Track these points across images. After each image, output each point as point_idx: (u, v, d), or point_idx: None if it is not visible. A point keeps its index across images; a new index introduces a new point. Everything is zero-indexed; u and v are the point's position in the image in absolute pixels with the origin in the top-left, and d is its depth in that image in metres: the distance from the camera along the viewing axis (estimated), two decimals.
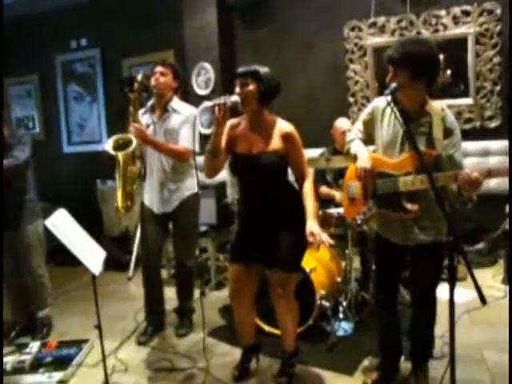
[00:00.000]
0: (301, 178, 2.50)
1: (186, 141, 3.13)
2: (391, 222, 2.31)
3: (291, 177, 2.54)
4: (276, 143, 2.40)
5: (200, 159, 5.16)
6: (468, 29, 4.42)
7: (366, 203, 2.40)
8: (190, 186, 3.25)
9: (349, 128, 3.85)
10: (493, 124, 4.51)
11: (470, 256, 3.87)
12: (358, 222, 3.30)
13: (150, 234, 3.28)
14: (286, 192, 2.50)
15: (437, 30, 4.53)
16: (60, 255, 4.85)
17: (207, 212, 4.29)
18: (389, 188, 2.25)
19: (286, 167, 2.49)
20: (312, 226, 2.33)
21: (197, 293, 3.66)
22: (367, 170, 2.27)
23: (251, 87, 2.32)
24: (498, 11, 4.39)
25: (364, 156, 2.32)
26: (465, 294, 3.44)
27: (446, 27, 4.49)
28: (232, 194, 4.58)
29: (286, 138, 2.41)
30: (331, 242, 2.27)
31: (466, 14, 4.47)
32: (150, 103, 3.25)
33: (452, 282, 1.87)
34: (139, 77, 3.09)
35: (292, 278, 2.51)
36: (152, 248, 3.29)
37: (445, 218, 1.89)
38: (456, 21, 4.47)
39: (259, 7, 5.16)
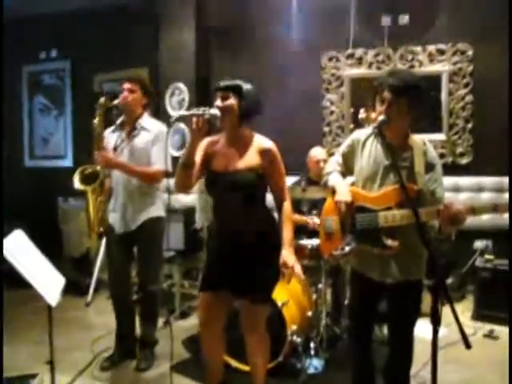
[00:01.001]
0: (279, 199, 2.41)
1: (157, 161, 3.00)
2: (369, 258, 2.24)
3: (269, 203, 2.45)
4: (253, 160, 2.31)
5: (170, 181, 4.99)
6: (442, 67, 4.52)
7: (343, 238, 2.31)
8: (155, 208, 3.12)
9: (323, 158, 3.81)
10: (464, 160, 4.58)
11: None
12: (335, 257, 3.20)
13: (114, 254, 3.15)
14: (263, 217, 2.39)
15: (412, 66, 4.62)
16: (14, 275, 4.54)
17: (174, 237, 4.15)
18: (368, 223, 2.19)
19: (264, 188, 2.39)
20: (287, 255, 2.28)
21: (160, 322, 3.47)
22: (347, 203, 2.20)
23: (232, 101, 2.24)
24: (470, 52, 4.53)
25: (343, 189, 2.26)
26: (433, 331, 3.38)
27: (421, 63, 4.59)
28: (201, 220, 4.45)
29: (265, 154, 2.32)
30: (302, 277, 2.24)
31: (441, 52, 4.59)
32: (119, 121, 3.12)
33: (435, 325, 1.84)
34: (101, 100, 2.96)
35: (264, 310, 2.42)
36: (117, 269, 3.15)
37: (429, 256, 1.87)
38: (431, 58, 4.58)
39: (237, 31, 5.14)
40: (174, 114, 5.13)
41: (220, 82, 2.29)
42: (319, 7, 4.88)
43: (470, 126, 4.59)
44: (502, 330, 3.68)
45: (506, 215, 4.43)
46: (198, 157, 2.32)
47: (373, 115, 4.74)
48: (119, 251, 3.13)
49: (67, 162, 6.06)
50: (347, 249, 2.28)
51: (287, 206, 2.40)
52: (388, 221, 2.13)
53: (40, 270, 2.26)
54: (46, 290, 2.18)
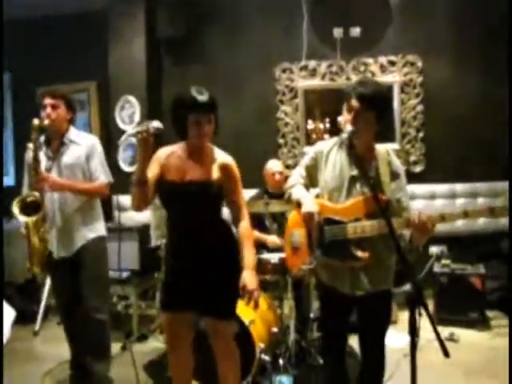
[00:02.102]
0: (237, 218, 2.32)
1: (99, 175, 2.85)
2: (339, 271, 2.19)
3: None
4: (213, 172, 2.24)
5: (122, 198, 4.79)
6: (394, 78, 4.62)
7: (310, 252, 2.25)
8: (94, 228, 2.92)
9: (279, 170, 3.80)
10: (417, 169, 4.69)
11: (397, 298, 3.91)
12: (303, 271, 3.15)
13: (56, 282, 2.96)
14: (221, 229, 2.31)
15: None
16: None
17: (129, 256, 3.97)
18: (336, 235, 2.14)
19: (221, 201, 2.31)
20: (248, 279, 2.18)
21: (117, 347, 3.26)
22: (314, 214, 2.13)
23: (211, 126, 2.21)
24: (419, 63, 4.68)
25: (309, 200, 2.20)
26: (399, 337, 3.39)
27: (373, 74, 4.68)
28: (156, 237, 4.28)
29: (225, 169, 2.25)
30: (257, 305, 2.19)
31: (392, 63, 4.71)
32: (42, 138, 2.88)
33: (413, 336, 1.81)
34: (35, 122, 2.69)
35: (230, 325, 2.32)
36: (62, 298, 2.94)
37: (405, 267, 1.82)
38: (383, 69, 4.69)
39: (189, 42, 5.04)
40: (124, 127, 4.96)
41: (198, 97, 2.13)
42: (272, 19, 4.90)
43: (421, 134, 4.72)
44: (461, 333, 3.77)
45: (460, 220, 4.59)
46: (153, 170, 2.22)
47: (321, 126, 4.80)
48: (60, 278, 2.91)
49: (9, 181, 5.68)
50: (315, 262, 2.23)
51: (246, 225, 2.31)
52: (357, 232, 2.10)
53: None
54: None
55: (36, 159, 2.70)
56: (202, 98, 2.13)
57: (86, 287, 2.88)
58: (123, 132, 4.89)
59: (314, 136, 4.82)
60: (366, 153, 2.17)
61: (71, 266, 2.87)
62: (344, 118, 2.14)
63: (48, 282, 4.41)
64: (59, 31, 5.33)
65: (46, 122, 2.73)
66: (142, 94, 4.91)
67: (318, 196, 2.30)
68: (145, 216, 4.81)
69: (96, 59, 5.13)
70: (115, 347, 3.57)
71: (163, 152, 2.29)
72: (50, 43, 5.37)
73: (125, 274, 3.99)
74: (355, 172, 2.16)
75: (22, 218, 2.65)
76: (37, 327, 4.26)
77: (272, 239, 3.56)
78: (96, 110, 5.33)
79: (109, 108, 5.03)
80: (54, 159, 2.83)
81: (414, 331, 1.86)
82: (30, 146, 2.71)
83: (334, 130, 4.61)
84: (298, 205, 2.25)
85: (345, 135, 2.05)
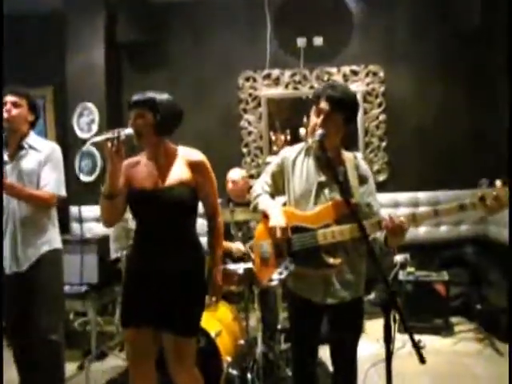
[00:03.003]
0: (212, 216, 2.27)
1: (49, 184, 2.64)
2: (310, 280, 2.13)
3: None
4: (183, 174, 2.14)
5: (82, 209, 4.56)
6: (357, 87, 4.65)
7: (280, 262, 2.18)
8: (48, 239, 2.70)
9: (238, 178, 3.75)
10: (381, 177, 4.73)
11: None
12: (275, 283, 3.06)
13: (5, 299, 2.66)
14: (191, 241, 2.21)
15: None
16: None
17: (87, 270, 3.77)
18: (306, 243, 2.09)
19: (195, 207, 2.21)
20: (218, 276, 2.24)
21: (73, 366, 3.05)
22: (282, 227, 2.07)
23: (146, 117, 2.06)
24: (382, 74, 4.74)
25: (276, 212, 2.14)
26: (366, 346, 3.37)
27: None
28: (115, 249, 4.11)
29: (195, 166, 2.17)
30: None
31: (355, 73, 4.76)
32: None
33: (388, 343, 1.81)
34: None
35: (190, 343, 2.18)
36: (11, 317, 2.68)
37: (378, 271, 1.79)
38: (346, 79, 4.72)
39: (151, 48, 4.92)
40: (82, 135, 4.76)
41: (134, 97, 2.11)
42: (236, 27, 4.86)
43: (384, 144, 4.76)
44: (427, 339, 3.76)
45: (422, 228, 4.65)
46: (121, 181, 2.11)
47: (282, 137, 4.78)
48: (12, 295, 2.65)
49: None
50: (285, 272, 2.15)
51: (220, 223, 2.31)
52: (327, 238, 2.05)
53: None
54: None
55: None
56: (135, 96, 2.11)
57: (37, 305, 2.65)
58: (81, 140, 4.71)
59: (275, 148, 4.79)
60: (335, 157, 2.13)
61: (24, 283, 2.63)
62: (312, 122, 2.10)
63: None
64: (12, 32, 5.05)
65: (5, 114, 2.56)
66: (101, 101, 4.74)
67: (285, 204, 2.25)
68: (103, 228, 4.63)
69: (52, 64, 4.92)
70: (72, 367, 3.37)
71: (128, 162, 2.19)
72: (4, 46, 5.12)
73: (83, 289, 3.79)
74: (323, 178, 2.13)
75: None
76: None
77: (237, 247, 3.48)
78: (52, 117, 5.10)
79: (66, 115, 4.82)
80: (10, 164, 2.63)
81: (389, 338, 1.83)
82: None
83: (296, 142, 4.61)
84: (265, 216, 2.19)
85: (316, 138, 2.00)
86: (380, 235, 2.03)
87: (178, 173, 2.14)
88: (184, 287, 2.13)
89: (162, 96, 2.12)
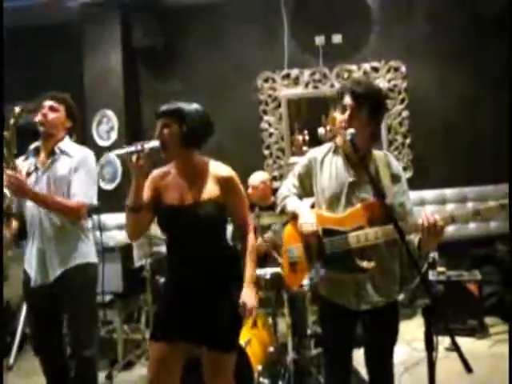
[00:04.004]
0: (243, 230, 2.17)
1: (78, 193, 2.51)
2: (343, 285, 2.06)
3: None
4: (212, 190, 2.06)
5: (102, 217, 4.55)
6: (378, 84, 4.54)
7: (310, 267, 2.11)
8: (81, 252, 2.57)
9: (258, 183, 3.68)
10: (406, 175, 4.57)
11: None
12: (306, 288, 3.00)
13: (34, 317, 2.64)
14: (224, 253, 2.14)
15: None
16: None
17: (112, 278, 3.71)
18: (338, 246, 2.01)
19: (224, 221, 2.15)
20: (248, 296, 2.07)
21: (101, 376, 3.00)
22: (314, 229, 2.01)
23: (172, 128, 2.00)
24: (403, 69, 4.64)
25: (307, 213, 2.08)
26: (398, 350, 3.26)
27: None
28: (139, 257, 4.08)
29: (224, 183, 2.08)
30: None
31: (375, 70, 4.68)
32: (33, 146, 2.62)
33: (430, 353, 1.67)
34: (17, 109, 2.46)
35: (231, 358, 2.11)
36: (41, 338, 2.63)
37: (419, 276, 1.71)
38: (367, 76, 4.63)
39: (168, 54, 4.91)
40: (102, 143, 4.76)
41: (162, 107, 2.05)
42: (252, 28, 4.83)
43: (408, 141, 4.67)
44: (461, 342, 3.63)
45: (450, 225, 4.53)
46: (147, 195, 2.06)
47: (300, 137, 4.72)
48: (39, 309, 2.58)
49: None
50: (316, 278, 2.08)
51: (252, 239, 2.18)
52: (360, 241, 1.98)
53: None
54: None
55: (9, 149, 2.43)
56: (163, 106, 2.06)
57: (72, 321, 2.58)
58: (101, 148, 4.70)
59: (293, 149, 4.73)
60: (365, 156, 2.06)
61: (51, 296, 2.54)
62: (338, 120, 2.03)
63: (24, 309, 4.15)
64: (32, 43, 5.14)
65: (37, 118, 2.51)
66: (119, 108, 4.75)
67: (313, 206, 2.18)
68: (126, 236, 4.61)
69: (70, 72, 4.93)
70: (100, 376, 3.33)
71: (157, 174, 2.14)
72: (21, 56, 5.16)
73: (107, 298, 3.76)
74: (353, 178, 2.06)
75: None
76: (11, 361, 3.94)
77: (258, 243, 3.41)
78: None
79: (84, 123, 4.82)
80: (42, 170, 2.55)
81: (430, 345, 1.73)
82: (7, 133, 2.43)
83: (314, 142, 4.54)
84: (294, 217, 2.12)
85: (347, 137, 1.93)
86: (414, 237, 1.95)
87: (206, 189, 2.07)
88: (222, 297, 2.07)
89: (191, 106, 2.05)
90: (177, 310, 2.08)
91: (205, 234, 2.07)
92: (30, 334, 2.70)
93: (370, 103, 1.98)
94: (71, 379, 2.62)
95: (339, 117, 2.02)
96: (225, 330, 2.06)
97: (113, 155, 1.98)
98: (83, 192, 2.53)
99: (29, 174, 2.52)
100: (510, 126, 3.85)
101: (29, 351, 4.10)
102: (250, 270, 2.13)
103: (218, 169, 2.12)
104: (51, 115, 2.55)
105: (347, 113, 1.98)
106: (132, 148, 1.92)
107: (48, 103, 2.57)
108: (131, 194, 2.00)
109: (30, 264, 2.57)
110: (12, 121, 2.44)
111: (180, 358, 2.11)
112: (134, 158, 1.92)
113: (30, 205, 2.53)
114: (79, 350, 2.57)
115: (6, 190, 2.42)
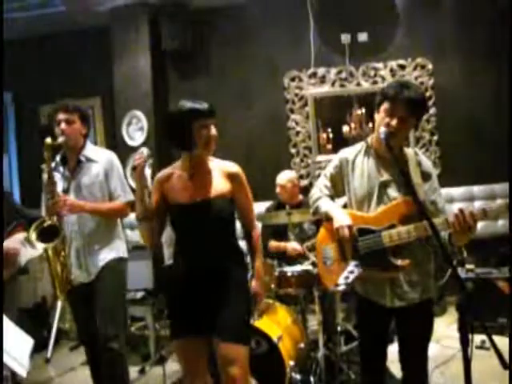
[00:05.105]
0: (249, 227, 2.25)
1: (120, 195, 2.69)
2: (378, 283, 2.09)
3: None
4: (222, 186, 2.12)
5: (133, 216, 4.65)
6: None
7: (345, 266, 2.13)
8: (113, 248, 2.72)
9: (287, 179, 3.68)
10: None
11: None
12: (341, 287, 3.03)
13: (75, 309, 2.78)
14: (233, 248, 2.20)
15: (375, 82, 4.64)
16: None
17: (143, 276, 3.87)
18: (372, 245, 2.04)
19: (233, 217, 2.21)
20: (258, 287, 2.22)
21: (134, 370, 3.09)
22: (349, 226, 2.03)
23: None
24: (430, 66, 4.62)
25: (340, 213, 2.10)
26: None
27: (384, 79, 4.62)
28: (169, 255, 4.17)
29: (233, 178, 2.15)
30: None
31: (402, 67, 4.66)
32: (58, 157, 2.72)
33: (465, 351, 1.68)
34: (48, 141, 2.53)
35: (244, 349, 2.11)
36: (82, 326, 2.78)
37: (452, 272, 1.68)
38: (393, 73, 4.64)
39: (195, 54, 4.97)
40: (132, 143, 4.86)
41: (205, 106, 2.07)
42: (278, 27, 4.85)
43: (435, 138, 4.64)
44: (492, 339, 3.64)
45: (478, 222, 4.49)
46: (155, 199, 2.12)
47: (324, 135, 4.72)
48: (81, 305, 2.72)
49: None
50: (352, 276, 2.10)
51: (256, 235, 2.27)
52: (393, 239, 2.00)
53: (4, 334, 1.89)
54: (15, 357, 1.81)
55: (51, 181, 2.54)
56: (202, 105, 2.07)
57: (101, 314, 2.68)
58: (131, 148, 4.80)
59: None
60: (398, 155, 2.06)
61: (89, 291, 2.68)
62: (382, 121, 2.01)
63: (59, 305, 4.28)
64: (62, 48, 5.26)
65: (60, 139, 2.58)
66: (148, 109, 4.83)
67: (345, 206, 2.21)
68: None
69: (99, 75, 5.06)
70: (133, 371, 3.42)
71: (162, 176, 2.18)
72: (52, 60, 5.31)
73: (139, 295, 3.85)
74: (385, 177, 2.08)
75: (40, 245, 2.47)
76: (48, 354, 4.09)
77: (292, 246, 3.44)
78: (101, 127, 5.24)
79: (114, 124, 4.93)
80: (71, 179, 2.68)
81: (465, 342, 1.73)
82: (44, 167, 2.56)
83: (339, 140, 4.56)
84: (328, 219, 2.15)
85: (381, 136, 1.95)
86: (444, 233, 1.96)
87: (218, 185, 2.12)
88: (229, 294, 2.11)
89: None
90: (189, 307, 2.12)
91: (216, 229, 2.11)
92: (77, 330, 2.82)
93: (420, 110, 2.02)
94: (103, 371, 2.73)
95: (383, 118, 2.01)
96: (237, 323, 2.10)
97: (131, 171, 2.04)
98: (123, 192, 2.69)
99: (66, 191, 2.63)
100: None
101: (64, 346, 4.25)
102: (259, 264, 2.23)
103: (225, 165, 2.18)
104: (69, 129, 2.62)
105: (396, 119, 1.96)
106: (136, 158, 2.02)
107: (62, 117, 2.62)
108: (138, 204, 2.04)
109: (71, 266, 2.67)
110: (46, 155, 2.54)
111: (204, 349, 2.16)
112: (139, 167, 2.01)
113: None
114: (108, 342, 2.66)
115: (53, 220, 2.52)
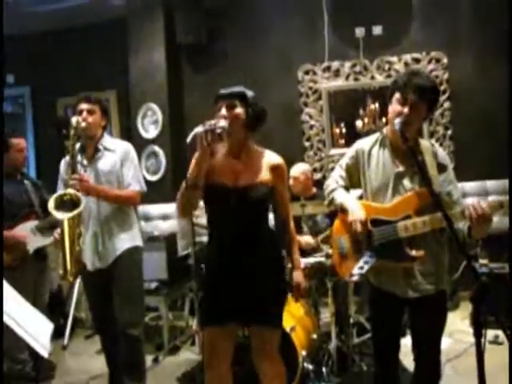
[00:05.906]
0: (286, 217, 2.28)
1: (132, 183, 2.75)
2: (392, 273, 2.10)
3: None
4: (265, 175, 2.14)
5: (147, 207, 4.68)
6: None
7: (360, 256, 2.15)
8: (130, 237, 2.80)
9: (301, 172, 3.70)
10: None
11: None
12: (356, 278, 3.05)
13: (91, 296, 2.86)
14: (268, 234, 2.23)
15: (390, 76, 4.61)
16: None
17: (157, 266, 3.90)
18: (387, 236, 2.05)
19: (268, 205, 2.23)
20: (300, 277, 2.29)
21: (148, 359, 3.14)
22: (362, 221, 2.05)
23: (239, 110, 2.07)
24: (445, 60, 4.59)
25: (354, 205, 2.12)
26: None
27: (398, 73, 4.56)
28: (183, 246, 4.22)
29: (276, 170, 2.17)
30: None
31: (417, 61, 4.63)
32: (78, 146, 2.78)
33: (479, 342, 1.66)
34: (73, 121, 2.64)
35: (277, 334, 2.21)
36: (97, 312, 2.85)
37: (467, 264, 1.71)
38: (407, 67, 4.58)
39: (209, 48, 4.98)
40: (146, 136, 4.91)
41: (222, 90, 2.12)
42: (293, 21, 4.84)
43: (449, 132, 4.61)
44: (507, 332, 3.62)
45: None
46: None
47: (337, 130, 4.71)
48: (94, 291, 2.81)
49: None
50: (366, 267, 2.12)
51: (292, 227, 2.31)
52: (409, 230, 2.01)
53: (24, 316, 1.95)
54: (35, 339, 1.87)
55: (74, 158, 2.63)
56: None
57: (120, 301, 2.74)
58: (146, 140, 4.86)
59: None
60: (413, 146, 2.06)
61: (106, 278, 2.75)
62: (395, 111, 2.02)
63: (75, 294, 4.36)
64: (77, 42, 5.32)
65: (84, 124, 2.66)
66: (163, 101, 4.87)
67: (361, 197, 2.22)
68: (168, 225, 4.77)
69: (114, 68, 5.12)
70: (146, 360, 3.48)
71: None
72: (68, 54, 5.37)
73: (153, 285, 3.91)
74: (400, 168, 2.09)
75: (59, 215, 2.52)
76: (65, 341, 4.18)
77: (306, 240, 3.47)
78: (117, 119, 5.30)
79: (129, 116, 4.98)
80: (88, 167, 2.76)
81: (479, 337, 1.71)
82: (70, 143, 2.63)
83: (352, 134, 4.55)
84: (343, 210, 2.17)
85: (396, 127, 1.96)
86: (463, 226, 1.96)
87: (260, 173, 2.14)
88: (267, 280, 2.14)
89: (250, 92, 2.15)
90: (224, 292, 2.14)
91: (254, 215, 2.14)
92: (92, 317, 2.88)
93: (431, 97, 2.00)
94: (121, 357, 2.79)
95: (396, 108, 2.02)
96: (273, 307, 2.16)
97: (195, 133, 1.97)
98: (136, 181, 2.77)
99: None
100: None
101: (80, 334, 4.34)
102: (297, 255, 2.29)
103: (271, 156, 2.21)
104: (90, 118, 2.71)
105: (408, 107, 1.97)
106: (206, 127, 1.97)
107: (85, 106, 2.73)
108: (193, 171, 2.05)
109: (86, 251, 2.74)
110: (72, 133, 2.62)
111: (232, 341, 2.20)
112: (203, 136, 1.97)
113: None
114: (127, 329, 2.73)
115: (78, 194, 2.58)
